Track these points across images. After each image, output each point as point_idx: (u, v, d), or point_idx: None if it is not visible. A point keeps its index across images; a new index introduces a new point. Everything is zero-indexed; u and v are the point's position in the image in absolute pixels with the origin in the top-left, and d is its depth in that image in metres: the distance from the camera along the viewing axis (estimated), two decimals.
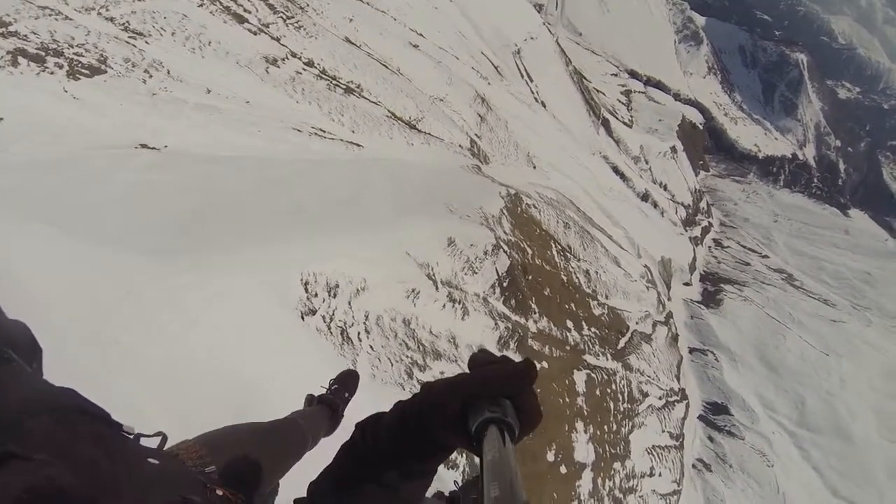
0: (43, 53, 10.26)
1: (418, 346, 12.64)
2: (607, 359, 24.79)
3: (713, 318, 43.67)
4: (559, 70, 42.29)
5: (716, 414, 37.12)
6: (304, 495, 1.00)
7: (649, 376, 28.88)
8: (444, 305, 14.14)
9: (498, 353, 0.86)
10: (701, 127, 73.82)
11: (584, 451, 20.18)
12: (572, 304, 23.06)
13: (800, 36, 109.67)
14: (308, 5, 20.82)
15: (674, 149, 54.74)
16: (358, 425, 0.96)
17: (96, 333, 4.11)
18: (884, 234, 69.72)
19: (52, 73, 10.11)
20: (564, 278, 23.16)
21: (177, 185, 8.96)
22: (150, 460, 1.09)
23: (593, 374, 22.73)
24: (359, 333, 10.87)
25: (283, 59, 17.11)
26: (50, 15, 11.14)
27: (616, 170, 42.71)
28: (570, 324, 22.31)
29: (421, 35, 27.61)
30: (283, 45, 17.63)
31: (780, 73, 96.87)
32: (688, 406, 33.55)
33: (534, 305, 19.47)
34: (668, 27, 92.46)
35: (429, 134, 21.51)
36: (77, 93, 10.23)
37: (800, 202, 75.00)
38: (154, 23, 13.55)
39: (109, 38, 12.04)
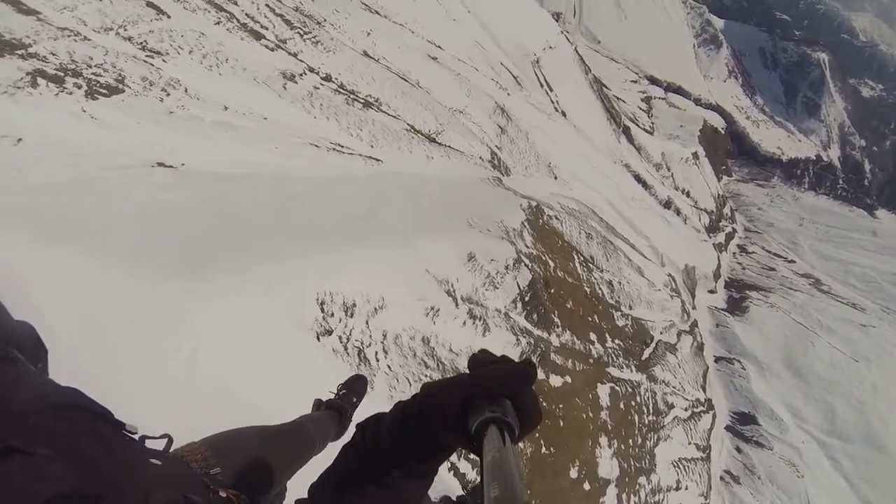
0: (62, 74, 10.17)
1: (438, 365, 12.23)
2: (631, 371, 24.14)
3: (739, 325, 42.33)
4: (579, 78, 41.68)
5: (743, 424, 35.90)
6: (306, 496, 1.00)
7: (674, 387, 28.10)
8: (464, 322, 13.72)
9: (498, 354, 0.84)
10: (723, 131, 72.48)
11: (608, 466, 19.58)
12: (595, 316, 22.47)
13: (820, 35, 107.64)
14: (325, 20, 20.65)
15: (696, 154, 53.62)
16: (358, 426, 0.95)
17: (106, 355, 4.02)
18: None
19: (70, 93, 10.00)
20: (587, 290, 22.58)
21: (191, 204, 8.79)
22: (153, 461, 1.09)
23: (617, 387, 22.12)
24: (376, 353, 10.54)
25: (301, 75, 16.90)
26: (69, 36, 11.08)
27: (638, 178, 41.89)
28: (593, 336, 21.71)
29: (439, 47, 27.30)
30: (300, 60, 17.44)
31: (801, 73, 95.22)
32: (714, 417, 32.57)
33: (556, 319, 18.94)
34: (686, 31, 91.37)
35: (449, 147, 21.12)
36: (95, 112, 10.11)
37: (825, 205, 72.69)
38: (171, 41, 13.43)
39: (127, 57, 11.94)
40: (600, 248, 25.09)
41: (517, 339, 16.39)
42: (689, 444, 27.78)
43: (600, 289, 23.87)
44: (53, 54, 10.35)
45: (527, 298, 17.14)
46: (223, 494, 1.24)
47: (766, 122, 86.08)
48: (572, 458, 17.56)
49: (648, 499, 22.36)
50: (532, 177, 26.60)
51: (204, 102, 12.86)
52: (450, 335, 12.95)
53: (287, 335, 7.00)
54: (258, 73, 15.27)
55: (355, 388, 3.19)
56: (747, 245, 56.87)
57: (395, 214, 13.58)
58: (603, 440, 19.85)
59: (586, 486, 17.93)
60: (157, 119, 11.25)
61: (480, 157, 22.51)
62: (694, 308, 38.37)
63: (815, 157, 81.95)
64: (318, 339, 8.92)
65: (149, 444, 1.16)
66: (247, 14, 16.71)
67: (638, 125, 52.40)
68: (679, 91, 74.90)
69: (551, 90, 37.34)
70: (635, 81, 70.67)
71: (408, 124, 19.99)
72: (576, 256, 22.66)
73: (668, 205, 43.93)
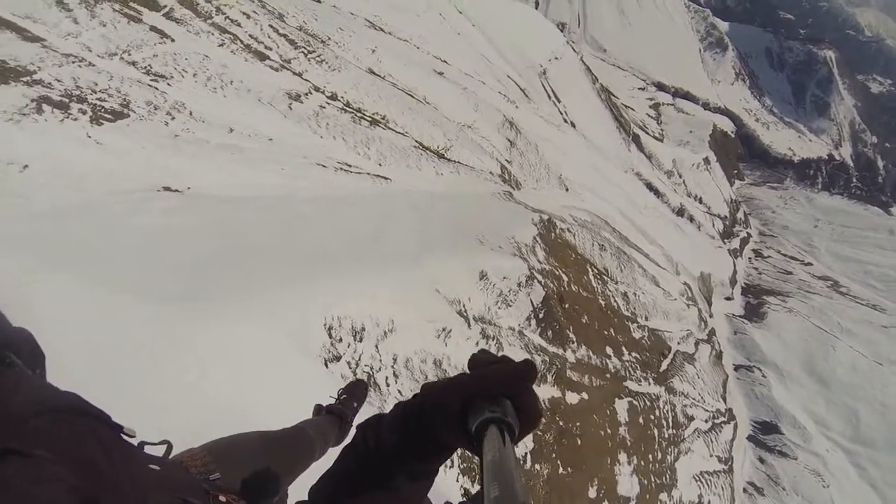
0: (66, 100, 10.16)
1: None
2: (649, 383, 23.50)
3: (757, 332, 41.32)
4: (586, 88, 41.32)
5: (766, 433, 34.89)
6: (306, 498, 0.98)
7: (694, 398, 27.36)
8: (476, 343, 13.28)
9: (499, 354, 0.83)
10: (733, 135, 71.73)
11: (627, 483, 18.99)
12: (611, 330, 21.89)
13: (825, 32, 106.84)
14: (330, 39, 20.45)
15: (707, 160, 52.96)
16: (358, 427, 0.94)
17: (111, 382, 3.88)
18: None
19: (75, 119, 9.99)
20: (602, 303, 22.02)
21: (196, 229, 8.68)
22: (152, 466, 1.09)
23: (635, 402, 21.50)
24: (387, 378, 10.23)
25: (307, 94, 16.67)
26: (74, 62, 11.05)
27: (650, 186, 41.35)
28: (609, 350, 21.13)
29: (445, 62, 27.05)
30: (305, 79, 17.21)
31: (808, 72, 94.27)
32: (736, 427, 31.73)
33: (571, 335, 18.42)
34: (691, 36, 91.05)
35: (458, 162, 20.74)
36: (100, 138, 10.09)
37: (840, 204, 71.04)
38: (176, 65, 13.34)
39: (132, 81, 11.89)
40: (614, 260, 24.53)
41: (532, 358, 15.94)
42: (711, 456, 27.05)
43: (615, 301, 23.29)
44: (58, 80, 10.39)
45: (541, 315, 16.68)
46: (223, 499, 1.24)
47: (776, 123, 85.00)
48: (591, 478, 17.00)
49: None
50: (543, 189, 26.12)
51: (209, 125, 12.74)
52: (462, 357, 12.47)
53: (294, 362, 6.75)
54: (263, 94, 15.07)
55: (356, 393, 3.15)
56: (763, 249, 55.83)
57: (404, 234, 13.27)
58: (622, 457, 19.26)
59: None
60: (161, 143, 11.19)
61: (490, 172, 22.11)
62: (711, 316, 37.58)
63: (827, 157, 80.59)
64: (326, 365, 8.63)
65: (148, 449, 1.17)
66: (250, 35, 16.55)
67: (647, 132, 51.86)
68: (687, 96, 74.39)
69: (559, 101, 36.95)
70: (643, 88, 70.26)
71: (416, 141, 19.65)
72: (590, 269, 22.12)
73: (680, 212, 43.26)
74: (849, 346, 41.73)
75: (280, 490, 1.83)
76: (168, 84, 12.78)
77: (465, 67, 28.73)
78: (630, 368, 22.30)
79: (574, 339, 18.56)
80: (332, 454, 1.84)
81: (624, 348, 22.39)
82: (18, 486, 0.65)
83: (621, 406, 20.42)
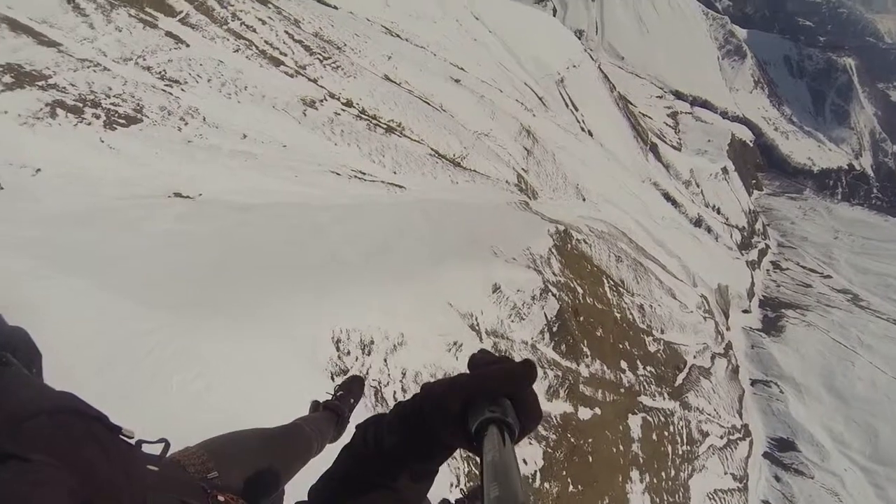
0: (80, 104, 10.13)
1: None
2: (664, 398, 22.88)
3: (775, 346, 40.16)
4: (604, 96, 40.72)
5: (782, 451, 33.81)
6: (305, 499, 0.98)
7: (709, 414, 26.63)
8: None
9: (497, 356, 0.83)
10: (751, 144, 70.36)
11: (639, 502, 18.45)
12: (626, 343, 21.34)
13: (845, 39, 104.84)
14: (345, 45, 20.22)
15: (725, 170, 51.96)
16: (358, 427, 0.93)
17: (116, 389, 3.93)
18: None
19: (89, 123, 9.98)
20: (618, 315, 21.48)
21: (206, 236, 8.64)
22: (150, 467, 1.09)
23: (649, 417, 20.93)
24: (395, 393, 9.85)
25: (321, 101, 16.44)
26: (89, 66, 10.99)
27: (667, 196, 40.49)
28: (624, 364, 20.59)
29: (462, 69, 26.71)
30: (320, 86, 16.97)
31: (828, 80, 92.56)
32: (751, 444, 30.84)
33: (585, 348, 17.94)
34: (709, 43, 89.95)
35: (474, 171, 20.34)
36: (113, 142, 10.06)
37: (860, 215, 69.24)
38: (190, 70, 13.21)
39: (146, 87, 11.81)
40: (630, 271, 23.97)
41: (544, 373, 15.55)
42: (726, 474, 26.32)
43: (631, 313, 22.73)
44: (73, 85, 10.41)
45: (554, 329, 16.26)
46: (221, 499, 1.24)
47: (795, 132, 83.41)
48: (601, 496, 16.50)
49: None
50: (560, 199, 25.59)
51: (222, 131, 12.62)
52: None
53: (299, 374, 6.61)
54: (277, 100, 14.89)
55: (353, 389, 3.13)
56: (781, 261, 54.49)
57: (417, 245, 12.96)
58: (634, 474, 18.74)
59: None
60: (174, 148, 11.13)
61: (507, 181, 21.68)
62: (728, 329, 36.62)
63: (847, 167, 78.79)
64: (332, 378, 8.33)
65: (146, 448, 1.16)
66: (266, 41, 16.37)
67: (665, 142, 51.02)
68: (705, 105, 73.45)
69: (577, 109, 36.40)
70: (661, 97, 69.25)
71: (431, 149, 19.32)
72: (605, 281, 21.60)
73: (698, 223, 42.33)
74: (869, 361, 40.23)
75: (278, 487, 1.83)
76: (182, 89, 12.65)
77: (482, 75, 28.36)
78: (645, 383, 21.72)
79: (588, 353, 18.08)
80: (330, 451, 1.78)
81: (639, 362, 21.83)
82: (16, 490, 0.63)
83: (635, 422, 19.89)
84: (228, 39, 15.11)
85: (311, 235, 10.67)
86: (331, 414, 2.80)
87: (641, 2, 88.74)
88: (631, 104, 48.09)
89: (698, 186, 47.23)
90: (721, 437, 27.10)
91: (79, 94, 10.28)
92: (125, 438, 1.01)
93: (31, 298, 4.19)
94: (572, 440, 15.73)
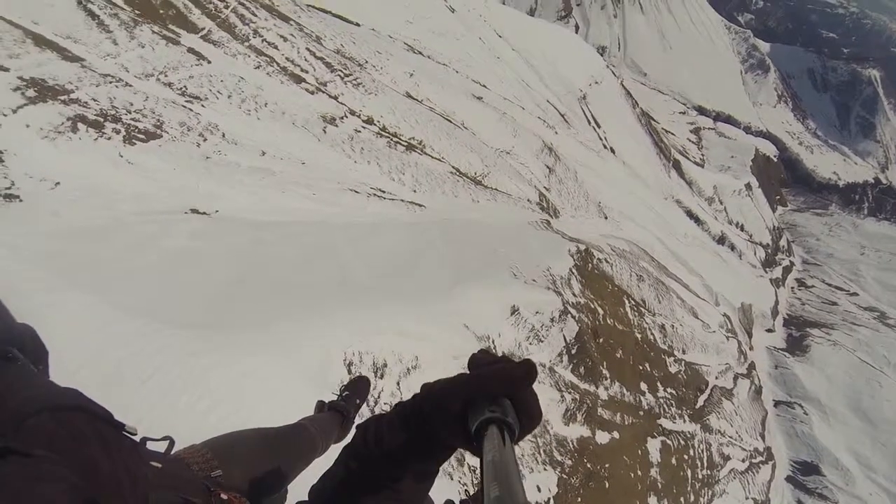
0: (101, 119, 10.05)
1: None
2: (684, 421, 21.99)
3: (799, 366, 38.72)
4: (626, 113, 40.09)
5: (805, 475, 32.52)
6: (306, 499, 0.97)
7: (731, 437, 25.59)
8: None
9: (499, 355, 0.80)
10: (775, 159, 68.66)
11: None
12: (647, 364, 20.56)
13: (870, 50, 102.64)
14: (367, 62, 20.01)
15: (748, 186, 50.72)
16: (358, 426, 0.92)
17: (121, 404, 3.38)
18: None
19: (109, 138, 9.89)
20: (639, 336, 20.72)
21: (221, 254, 8.51)
22: (154, 463, 1.08)
23: (669, 441, 20.09)
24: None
25: (342, 118, 16.18)
26: (111, 82, 10.90)
27: (690, 213, 39.66)
28: (643, 386, 19.81)
29: (484, 86, 26.36)
30: (341, 103, 16.72)
31: (853, 92, 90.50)
32: (774, 467, 29.57)
33: (605, 371, 17.26)
34: (732, 58, 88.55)
35: (495, 189, 19.86)
36: (132, 158, 9.94)
37: (887, 231, 66.60)
38: (211, 86, 13.08)
39: (167, 102, 11.67)
40: (652, 291, 23.19)
41: (561, 396, 14.95)
42: (747, 498, 25.24)
43: (652, 334, 21.94)
44: (94, 100, 10.34)
45: (573, 351, 15.66)
46: (224, 497, 1.22)
47: (820, 146, 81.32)
48: None
49: None
50: (581, 217, 24.98)
51: (241, 147, 12.40)
52: None
53: (309, 398, 6.17)
54: (297, 117, 14.67)
55: (358, 389, 3.07)
56: (806, 279, 52.93)
57: (435, 266, 12.54)
58: (652, 500, 17.91)
59: None
60: (193, 164, 10.95)
61: (528, 199, 21.15)
62: (751, 349, 35.44)
63: (873, 181, 76.35)
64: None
65: (150, 446, 1.15)
66: (287, 58, 16.20)
67: (688, 158, 50.02)
68: (728, 120, 72.13)
69: (599, 126, 35.77)
70: (683, 112, 68.15)
71: (452, 167, 18.91)
72: (626, 301, 20.88)
73: (721, 240, 41.34)
74: None
75: (282, 487, 1.79)
76: (202, 105, 12.50)
77: (505, 92, 27.99)
78: (665, 405, 20.89)
79: (607, 376, 17.40)
80: (334, 451, 1.72)
81: (659, 384, 21.01)
82: (18, 485, 0.62)
83: (653, 446, 19.07)
84: (250, 56, 14.98)
85: (327, 255, 10.40)
86: (336, 414, 2.75)
87: (664, 17, 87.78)
88: (653, 120, 47.25)
89: (721, 203, 46.14)
90: (743, 461, 26.06)
91: (100, 109, 10.19)
92: (129, 435, 0.98)
93: (40, 310, 4.09)
94: (589, 465, 15.08)
